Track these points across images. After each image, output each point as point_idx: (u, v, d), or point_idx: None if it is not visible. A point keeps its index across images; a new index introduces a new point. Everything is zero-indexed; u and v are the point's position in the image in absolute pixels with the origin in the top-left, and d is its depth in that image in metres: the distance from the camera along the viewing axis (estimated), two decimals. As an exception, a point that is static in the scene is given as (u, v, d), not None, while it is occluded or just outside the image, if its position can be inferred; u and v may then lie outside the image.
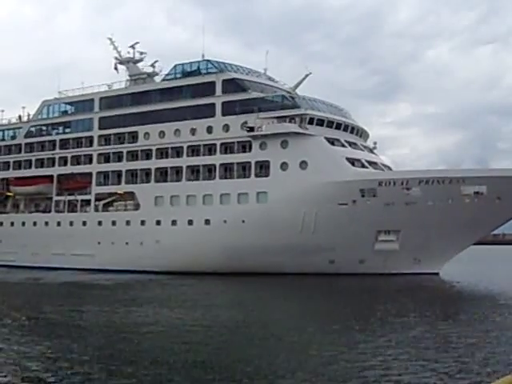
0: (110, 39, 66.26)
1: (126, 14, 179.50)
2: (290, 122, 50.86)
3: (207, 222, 52.19)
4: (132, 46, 65.83)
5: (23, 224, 64.97)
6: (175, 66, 58.52)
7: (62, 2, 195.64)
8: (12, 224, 65.99)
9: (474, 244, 53.81)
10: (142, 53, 65.90)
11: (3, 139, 70.95)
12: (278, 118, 51.34)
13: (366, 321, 25.85)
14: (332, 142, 50.88)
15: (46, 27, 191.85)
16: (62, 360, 18.48)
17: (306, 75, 55.75)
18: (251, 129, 51.16)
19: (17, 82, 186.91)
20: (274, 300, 36.09)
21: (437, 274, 49.70)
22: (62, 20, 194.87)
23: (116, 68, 65.55)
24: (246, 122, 51.97)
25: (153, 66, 64.71)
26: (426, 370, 16.60)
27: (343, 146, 51.46)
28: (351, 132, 54.28)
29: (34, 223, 63.92)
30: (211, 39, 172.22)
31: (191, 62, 57.79)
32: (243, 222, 50.31)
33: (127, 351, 19.79)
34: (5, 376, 16.54)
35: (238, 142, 52.90)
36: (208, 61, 56.70)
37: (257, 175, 51.54)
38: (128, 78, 64.60)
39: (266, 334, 23.29)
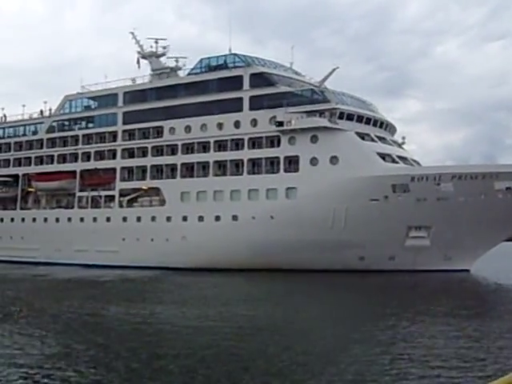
0: (132, 33, 66.90)
1: (133, 10, 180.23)
2: (319, 116, 51.08)
3: (235, 217, 52.48)
4: (155, 41, 66.39)
5: (45, 220, 65.51)
6: (201, 60, 58.86)
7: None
8: (34, 220, 66.61)
9: (506, 240, 53.86)
10: (164, 47, 66.39)
11: (25, 134, 71.66)
12: (307, 112, 51.59)
13: (397, 318, 25.88)
14: (362, 136, 51.09)
15: (53, 24, 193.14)
16: (86, 356, 18.94)
17: (333, 69, 55.79)
18: (280, 123, 51.45)
19: (25, 77, 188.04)
20: (303, 297, 36.04)
21: (468, 271, 49.81)
22: (70, 17, 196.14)
23: (138, 62, 66.09)
24: (274, 117, 52.26)
25: (176, 60, 65.17)
26: (466, 370, 16.58)
27: (373, 140, 51.65)
28: (380, 127, 54.51)
29: (57, 219, 64.45)
30: (220, 35, 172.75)
31: (217, 56, 58.14)
32: (272, 217, 50.55)
33: (153, 348, 20.05)
34: (28, 371, 16.98)
35: (266, 136, 53.18)
36: (235, 54, 57.03)
37: (286, 170, 51.79)
38: (150, 72, 65.08)
39: (293, 331, 23.46)
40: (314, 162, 50.53)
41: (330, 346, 20.62)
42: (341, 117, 51.34)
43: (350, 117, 51.70)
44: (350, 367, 17.07)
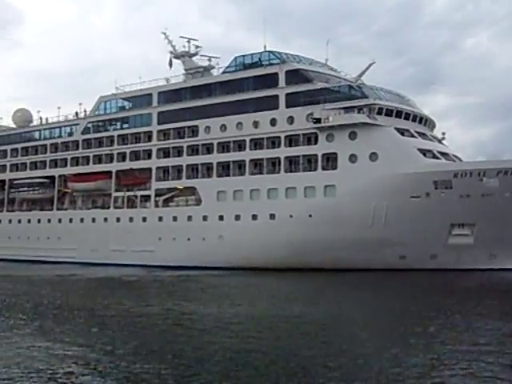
0: (164, 34, 66.73)
1: (159, 11, 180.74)
2: (357, 112, 50.13)
3: (272, 216, 51.82)
4: (188, 40, 66.12)
5: (82, 220, 65.73)
6: (235, 58, 58.41)
7: (96, 2, 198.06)
8: (70, 221, 66.95)
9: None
10: (197, 46, 66.15)
11: (60, 136, 72.20)
12: (345, 108, 50.70)
13: (440, 319, 25.13)
14: (402, 132, 49.98)
15: (81, 27, 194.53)
16: (126, 354, 18.88)
17: (370, 64, 54.75)
18: (317, 120, 50.61)
19: (54, 81, 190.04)
20: (341, 297, 35.53)
21: None
22: (97, 20, 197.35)
23: (171, 63, 65.90)
24: (311, 114, 51.46)
25: (209, 59, 64.83)
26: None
27: (413, 136, 50.49)
28: (419, 122, 53.26)
29: (93, 219, 64.69)
30: (245, 34, 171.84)
31: (252, 54, 57.62)
32: (310, 216, 49.77)
33: (193, 347, 19.93)
34: (68, 367, 17.08)
35: (303, 134, 52.42)
36: (270, 52, 56.38)
37: (324, 168, 50.97)
38: (183, 72, 64.85)
39: (331, 332, 23.14)
40: (352, 158, 49.58)
41: (369, 347, 19.86)
42: (379, 112, 50.23)
43: (388, 112, 50.55)
44: (389, 370, 16.55)
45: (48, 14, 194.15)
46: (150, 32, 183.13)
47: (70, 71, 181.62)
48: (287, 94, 53.42)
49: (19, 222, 72.79)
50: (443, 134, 56.07)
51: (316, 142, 51.76)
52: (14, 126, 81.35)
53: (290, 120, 53.04)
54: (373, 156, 48.76)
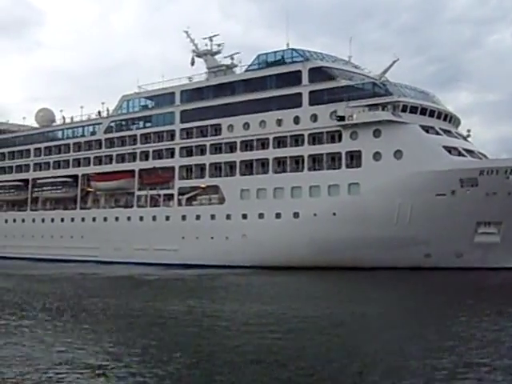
0: (186, 32, 67.12)
1: (179, 10, 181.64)
2: (382, 109, 50.19)
3: (296, 215, 52.07)
4: (210, 39, 66.53)
5: (105, 219, 66.50)
6: (258, 56, 58.69)
7: (116, 1, 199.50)
8: (94, 219, 67.73)
9: None
10: (219, 44, 66.51)
11: (83, 135, 72.99)
12: (369, 106, 50.80)
13: (468, 321, 24.93)
14: (427, 130, 49.97)
15: (101, 27, 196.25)
16: (148, 352, 19.07)
17: (394, 61, 54.69)
18: (341, 118, 50.80)
19: (76, 81, 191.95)
20: (366, 296, 35.54)
21: None
22: (117, 19, 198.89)
23: (193, 61, 66.25)
24: (335, 112, 51.65)
25: (232, 57, 65.20)
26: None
27: (438, 133, 50.46)
28: (444, 119, 53.19)
29: (116, 218, 65.40)
30: (265, 32, 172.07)
31: (275, 52, 57.87)
32: (334, 214, 49.95)
33: (214, 346, 20.03)
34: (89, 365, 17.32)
35: (326, 132, 52.59)
36: (293, 49, 56.62)
37: (348, 166, 51.13)
38: (206, 70, 65.26)
39: (353, 332, 23.19)
40: (377, 156, 49.67)
41: (392, 348, 19.87)
42: (404, 110, 50.29)
43: (413, 109, 50.58)
44: (412, 372, 16.57)
45: (68, 13, 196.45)
46: (170, 31, 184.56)
47: (90, 71, 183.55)
48: (310, 92, 53.62)
49: (43, 221, 73.78)
50: (468, 131, 56.00)
51: (340, 140, 51.92)
52: (36, 125, 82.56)
53: (314, 118, 53.23)
54: (397, 154, 48.79)
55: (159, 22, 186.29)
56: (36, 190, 76.81)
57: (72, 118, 74.91)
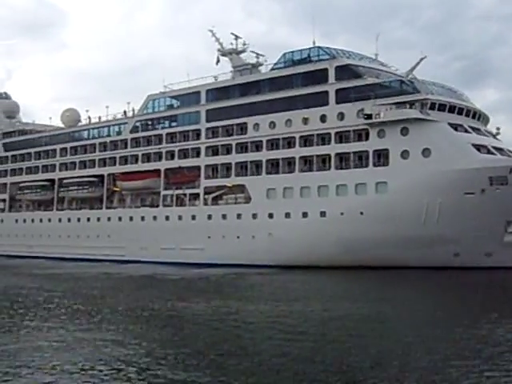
0: (212, 31, 67.76)
1: (202, 9, 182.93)
2: (409, 107, 50.22)
3: (323, 214, 52.33)
4: (235, 37, 67.12)
5: (131, 219, 67.32)
6: (284, 55, 59.06)
7: (139, 1, 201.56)
8: (120, 219, 68.61)
9: None
10: (244, 43, 67.03)
11: (109, 135, 74.01)
12: (396, 104, 50.85)
13: (496, 320, 24.77)
14: (455, 127, 49.88)
15: (125, 27, 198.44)
16: (168, 352, 19.36)
17: (421, 58, 54.58)
18: (369, 116, 50.89)
19: (100, 81, 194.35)
20: (393, 295, 35.66)
21: None
22: (141, 19, 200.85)
23: (218, 60, 66.83)
24: (362, 110, 51.76)
25: (257, 56, 65.66)
26: None
27: (467, 131, 50.34)
28: (473, 117, 53.03)
29: (142, 218, 66.20)
30: (288, 31, 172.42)
31: (301, 50, 58.15)
32: (361, 213, 50.10)
33: (240, 346, 20.30)
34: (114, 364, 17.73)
35: (353, 130, 52.75)
36: (319, 47, 56.87)
37: (375, 165, 51.23)
38: (231, 69, 65.81)
39: (379, 332, 23.16)
40: (404, 155, 49.71)
41: (419, 349, 19.85)
42: (432, 107, 50.22)
43: (441, 107, 50.51)
44: (438, 373, 16.64)
45: (92, 14, 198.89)
46: (193, 31, 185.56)
47: (115, 71, 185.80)
48: (337, 90, 53.81)
49: (69, 220, 74.90)
50: (497, 128, 55.83)
51: (367, 139, 52.05)
52: (62, 125, 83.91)
53: (340, 116, 53.40)
54: (425, 152, 48.80)
55: (182, 22, 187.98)
56: (62, 189, 78.06)
57: (100, 118, 75.88)
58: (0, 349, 20.03)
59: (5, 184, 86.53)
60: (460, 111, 51.72)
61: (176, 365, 17.69)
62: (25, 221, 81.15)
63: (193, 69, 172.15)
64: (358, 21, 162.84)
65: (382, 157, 51.12)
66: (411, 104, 50.43)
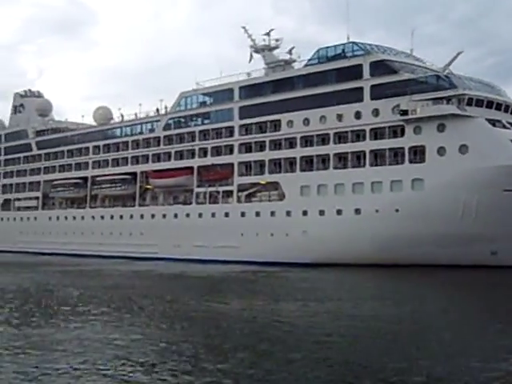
0: (244, 28, 68.50)
1: (231, 7, 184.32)
2: (446, 103, 50.28)
3: (357, 211, 52.72)
4: (267, 34, 67.74)
5: (164, 216, 68.41)
6: (318, 51, 59.47)
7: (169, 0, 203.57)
8: (152, 216, 69.74)
9: None
10: (277, 40, 67.61)
11: (142, 133, 75.29)
12: (433, 99, 50.90)
13: None
14: (493, 123, 49.83)
15: (154, 25, 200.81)
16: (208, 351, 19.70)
17: (458, 53, 54.54)
18: (404, 112, 51.04)
19: (130, 79, 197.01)
20: (429, 294, 35.77)
21: None
22: (170, 17, 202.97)
23: (251, 57, 67.53)
24: (397, 106, 51.93)
25: (290, 52, 66.17)
26: None
27: (505, 127, 50.21)
28: (512, 113, 52.77)
29: (175, 215, 67.24)
30: (318, 28, 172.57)
31: (335, 46, 58.53)
32: (397, 210, 50.33)
33: (271, 346, 20.37)
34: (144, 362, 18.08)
35: (389, 126, 52.95)
36: (353, 43, 57.18)
37: (411, 161, 51.42)
38: (264, 66, 66.42)
39: (417, 332, 23.13)
40: (441, 151, 49.81)
41: (454, 350, 19.74)
42: (469, 103, 50.21)
43: (479, 103, 50.47)
44: (475, 374, 16.74)
45: (122, 12, 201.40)
46: (223, 28, 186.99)
47: (145, 69, 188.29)
48: (372, 86, 54.06)
49: (102, 218, 76.43)
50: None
51: (402, 135, 52.24)
52: (94, 123, 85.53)
53: (376, 112, 53.66)
54: (463, 148, 48.83)
55: (211, 20, 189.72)
56: (95, 187, 79.64)
57: (136, 115, 77.00)
58: (42, 343, 20.92)
59: (38, 182, 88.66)
60: (498, 106, 51.62)
61: (207, 364, 17.92)
62: (58, 218, 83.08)
63: (223, 66, 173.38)
64: (389, 17, 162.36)
65: (418, 153, 51.23)
66: (448, 100, 50.48)
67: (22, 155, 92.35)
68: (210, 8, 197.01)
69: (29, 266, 59.27)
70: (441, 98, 50.74)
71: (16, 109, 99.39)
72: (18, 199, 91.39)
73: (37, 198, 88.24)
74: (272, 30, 67.71)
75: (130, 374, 16.83)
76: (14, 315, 27.84)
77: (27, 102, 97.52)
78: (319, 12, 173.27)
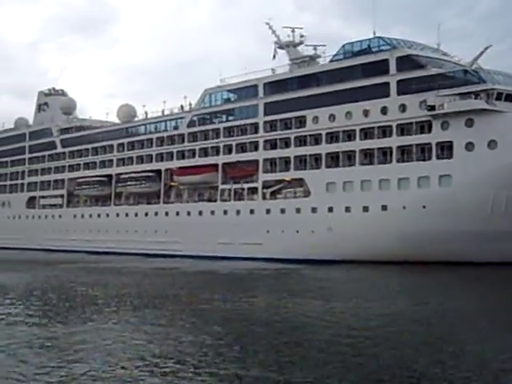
0: (268, 24, 68.75)
1: (252, 3, 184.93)
2: (474, 98, 50.20)
3: (384, 207, 52.85)
4: (291, 30, 68.03)
5: (188, 213, 69.12)
6: (343, 46, 59.64)
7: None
8: (177, 214, 70.47)
9: None
10: (302, 35, 67.87)
11: (166, 130, 76.01)
12: (460, 94, 50.87)
13: None
14: (523, 118, 49.51)
15: (176, 22, 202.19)
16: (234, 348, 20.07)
17: (486, 48, 54.30)
18: (432, 107, 51.05)
19: (153, 77, 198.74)
20: (457, 292, 35.63)
21: None
22: (191, 13, 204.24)
23: (275, 53, 67.85)
24: (424, 101, 51.96)
25: (314, 48, 66.34)
26: None
27: (534, 122, 49.88)
28: (542, 108, 52.39)
29: (200, 212, 67.86)
30: (339, 24, 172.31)
31: (361, 41, 58.64)
32: (424, 207, 50.38)
33: (295, 344, 20.70)
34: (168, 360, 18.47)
35: (416, 122, 52.95)
36: (380, 38, 57.22)
37: (438, 157, 51.41)
38: (288, 62, 66.75)
39: (442, 332, 23.08)
40: (469, 147, 49.74)
41: (486, 350, 19.85)
42: (498, 98, 50.04)
43: (508, 97, 50.22)
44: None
45: (143, 10, 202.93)
46: (244, 25, 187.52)
47: (167, 66, 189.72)
48: (398, 81, 54.08)
49: (126, 215, 77.37)
50: None
51: (430, 131, 52.25)
52: (118, 121, 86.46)
53: (402, 108, 53.70)
54: (491, 144, 48.71)
55: (233, 16, 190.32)
56: (119, 184, 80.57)
57: (163, 111, 77.43)
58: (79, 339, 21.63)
59: (63, 180, 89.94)
60: (527, 101, 51.37)
61: (232, 360, 18.39)
62: (82, 216, 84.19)
63: (245, 62, 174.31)
64: (411, 11, 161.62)
65: (445, 149, 51.22)
66: (476, 94, 50.38)
67: (46, 153, 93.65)
68: (232, 4, 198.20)
69: (53, 263, 60.23)
70: (469, 93, 50.66)
71: (40, 107, 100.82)
72: (43, 197, 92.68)
73: (61, 195, 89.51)
74: (301, 27, 68.22)
75: (153, 371, 17.24)
76: (39, 313, 28.63)
77: (51, 100, 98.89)
78: (340, 7, 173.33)
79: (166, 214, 72.03)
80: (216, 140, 68.71)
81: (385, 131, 55.07)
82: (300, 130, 60.94)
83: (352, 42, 59.19)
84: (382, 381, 16.36)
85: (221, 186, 67.34)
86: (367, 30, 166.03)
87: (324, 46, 65.42)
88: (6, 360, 18.72)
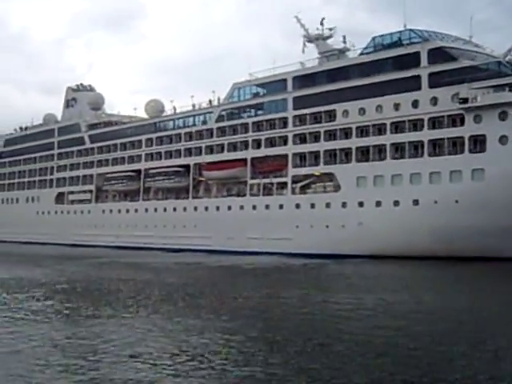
0: (297, 17, 69.17)
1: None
2: (509, 90, 49.91)
3: (415, 202, 52.88)
4: (321, 23, 68.23)
5: (217, 209, 69.69)
6: (373, 39, 59.66)
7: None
8: (206, 209, 71.12)
9: None
10: (331, 29, 67.98)
11: (194, 124, 76.65)
12: (494, 87, 50.67)
13: None
14: (558, 111, 49.16)
15: (202, 17, 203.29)
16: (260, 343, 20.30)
17: (521, 39, 54.09)
18: (464, 100, 50.90)
19: (180, 72, 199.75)
20: (490, 289, 35.13)
21: None
22: (217, 8, 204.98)
23: (304, 46, 68.12)
24: (457, 94, 51.82)
25: (344, 41, 66.42)
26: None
27: None
28: None
29: (229, 207, 68.39)
30: (366, 16, 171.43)
31: (391, 33, 58.66)
32: (456, 202, 50.28)
33: (323, 340, 20.70)
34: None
35: (447, 115, 52.81)
36: (411, 30, 57.19)
37: (471, 151, 51.26)
38: (318, 55, 66.95)
39: (473, 330, 23.04)
40: (503, 140, 49.54)
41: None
42: (533, 90, 49.74)
43: (543, 90, 49.92)
44: None
45: (169, 5, 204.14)
46: (270, 18, 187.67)
47: (194, 61, 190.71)
48: (430, 74, 53.95)
49: (155, 210, 78.19)
50: None
51: (462, 124, 52.07)
52: (146, 116, 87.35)
53: (434, 101, 53.56)
54: (526, 137, 48.52)
55: (260, 10, 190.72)
56: (148, 180, 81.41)
57: (194, 106, 77.68)
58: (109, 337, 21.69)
59: (91, 175, 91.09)
60: None
61: (260, 355, 18.46)
62: (111, 211, 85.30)
63: (272, 56, 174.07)
64: (439, 3, 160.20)
65: (478, 143, 51.05)
66: (510, 87, 50.09)
67: (75, 149, 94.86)
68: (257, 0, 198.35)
69: (81, 258, 61.11)
70: (503, 86, 50.38)
71: (68, 103, 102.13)
72: (72, 192, 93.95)
73: (90, 191, 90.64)
74: (324, 18, 68.25)
75: (178, 366, 17.43)
76: (69, 306, 28.99)
77: (79, 95, 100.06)
78: (368, 0, 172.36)
79: (195, 209, 72.73)
80: (245, 134, 69.07)
81: (416, 125, 54.97)
82: (330, 123, 60.97)
83: (382, 35, 59.21)
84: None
85: (250, 181, 67.77)
86: (395, 22, 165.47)
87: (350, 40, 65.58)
88: (29, 357, 18.68)
